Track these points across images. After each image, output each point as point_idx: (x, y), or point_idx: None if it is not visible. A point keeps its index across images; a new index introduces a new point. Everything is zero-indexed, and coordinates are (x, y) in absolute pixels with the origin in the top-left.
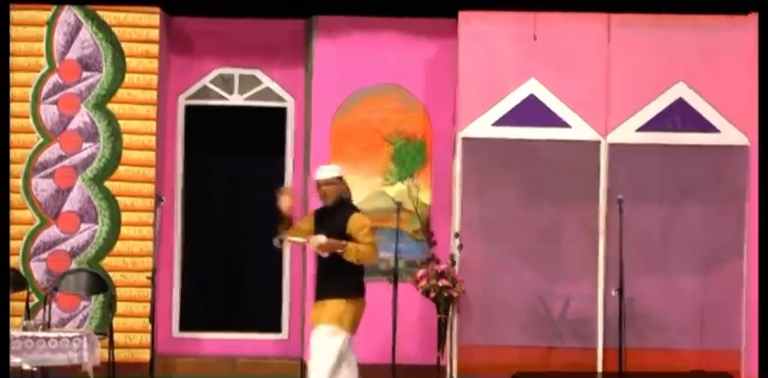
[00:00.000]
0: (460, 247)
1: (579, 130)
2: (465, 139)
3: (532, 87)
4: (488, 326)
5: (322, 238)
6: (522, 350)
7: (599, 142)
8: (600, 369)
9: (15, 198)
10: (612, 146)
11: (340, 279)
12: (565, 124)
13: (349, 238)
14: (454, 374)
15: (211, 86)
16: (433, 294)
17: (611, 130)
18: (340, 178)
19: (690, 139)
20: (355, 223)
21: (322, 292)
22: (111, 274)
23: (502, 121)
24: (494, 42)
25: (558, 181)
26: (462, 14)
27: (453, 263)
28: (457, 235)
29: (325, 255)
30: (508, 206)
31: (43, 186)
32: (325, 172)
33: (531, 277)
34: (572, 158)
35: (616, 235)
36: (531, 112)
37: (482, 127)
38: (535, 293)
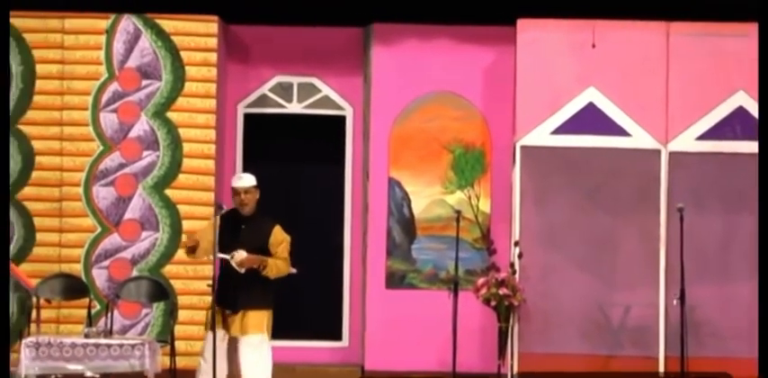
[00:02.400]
0: (520, 255)
1: (639, 138)
2: (524, 148)
3: (591, 95)
4: (548, 334)
5: (244, 254)
6: (582, 358)
7: (659, 151)
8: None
9: (77, 206)
10: (673, 154)
11: (263, 290)
12: (624, 133)
13: (267, 249)
14: None
15: (270, 95)
16: (493, 303)
17: (671, 138)
18: (257, 187)
19: (750, 148)
20: (276, 237)
21: (243, 303)
22: (172, 281)
23: (561, 130)
24: (552, 50)
25: (618, 189)
26: (521, 22)
27: (513, 271)
28: (516, 243)
29: (242, 270)
30: (568, 214)
31: (104, 194)
32: (245, 180)
33: (590, 285)
34: (632, 167)
35: (676, 243)
36: (590, 120)
37: (541, 135)
38: (595, 301)
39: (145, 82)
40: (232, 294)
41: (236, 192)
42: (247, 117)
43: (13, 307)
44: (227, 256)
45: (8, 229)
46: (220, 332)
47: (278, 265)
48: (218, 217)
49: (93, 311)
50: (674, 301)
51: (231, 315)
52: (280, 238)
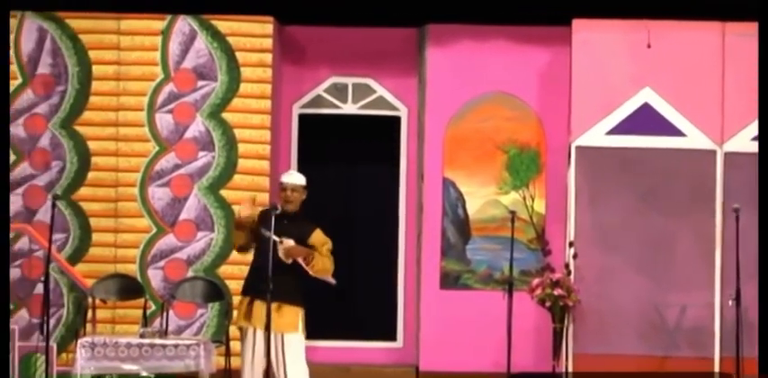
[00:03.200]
0: (575, 255)
1: (694, 138)
2: (579, 148)
3: (647, 96)
4: (603, 335)
5: (292, 243)
6: (637, 359)
7: (715, 151)
8: None
9: (132, 206)
10: (728, 154)
11: (297, 285)
12: (680, 133)
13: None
14: None
15: (325, 95)
16: (548, 303)
17: (726, 138)
18: (305, 188)
19: None
20: (319, 237)
21: (279, 295)
22: (227, 282)
23: (616, 130)
24: (607, 50)
25: (673, 189)
26: (576, 22)
27: (568, 272)
28: (571, 244)
29: (289, 261)
30: (623, 215)
31: (159, 195)
32: (295, 178)
33: (645, 286)
34: (687, 167)
35: (731, 243)
36: (645, 120)
37: (596, 136)
38: (650, 302)
39: (200, 83)
40: (266, 285)
41: (283, 187)
42: (302, 118)
43: (69, 307)
44: (276, 238)
45: (8, 228)
46: (251, 329)
47: (324, 261)
48: (270, 210)
49: (148, 312)
50: (730, 302)
51: (259, 307)
52: (323, 239)
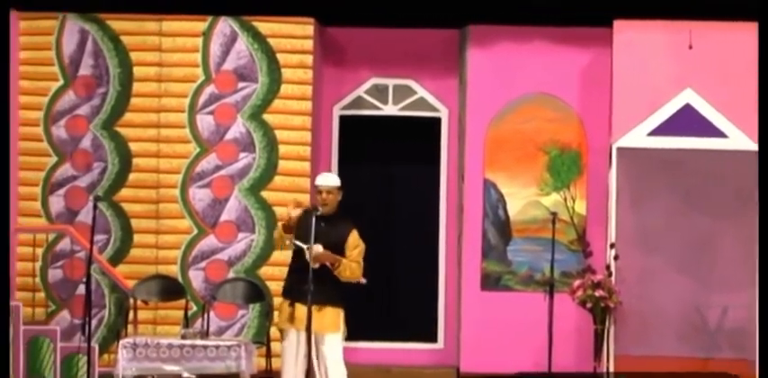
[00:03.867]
0: (616, 257)
1: (736, 140)
2: (620, 149)
3: (688, 97)
4: (645, 336)
5: (320, 248)
6: (678, 361)
7: (756, 152)
8: None
9: (173, 207)
10: None
11: (336, 287)
12: (721, 134)
13: (342, 250)
14: None
15: (366, 97)
16: (589, 305)
17: None
18: (340, 189)
19: None
20: (353, 240)
21: (319, 298)
22: (268, 283)
23: (657, 131)
24: (649, 51)
25: (715, 191)
26: (617, 23)
27: (609, 273)
28: (612, 245)
29: (316, 265)
30: (664, 216)
31: (200, 196)
32: (330, 180)
33: (687, 287)
34: (729, 168)
35: None
36: (686, 121)
37: (637, 137)
38: (691, 303)
39: (241, 84)
40: (306, 287)
41: (319, 190)
42: (343, 119)
43: (111, 308)
44: (302, 245)
45: (8, 228)
46: (293, 331)
47: (351, 267)
48: (310, 212)
49: (189, 313)
50: None
51: (301, 309)
52: (356, 242)
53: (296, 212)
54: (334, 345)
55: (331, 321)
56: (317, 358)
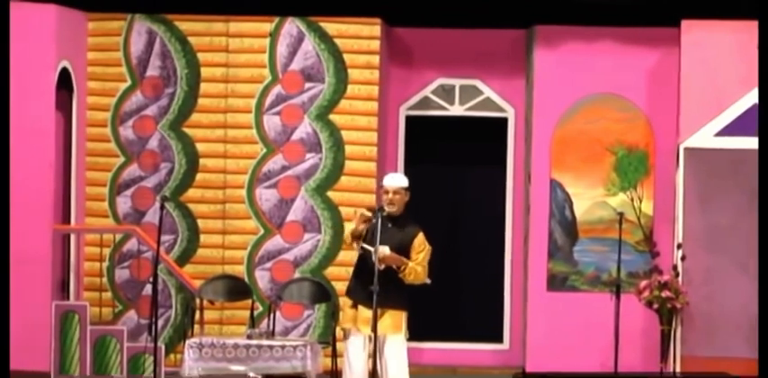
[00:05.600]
0: (683, 257)
1: None
2: (687, 150)
3: (756, 97)
4: (712, 337)
5: (387, 250)
6: (745, 362)
7: None
8: None
9: (240, 208)
10: None
11: (400, 290)
12: None
13: (408, 252)
14: None
15: (432, 97)
16: (655, 306)
17: None
18: (407, 189)
19: None
20: (420, 243)
21: (383, 301)
22: (333, 283)
23: (725, 132)
24: (717, 51)
25: None
26: (685, 23)
27: (676, 274)
28: (680, 246)
29: (381, 267)
30: (731, 217)
31: (267, 196)
32: (396, 180)
33: (754, 288)
34: None
35: None
36: (754, 122)
37: (705, 137)
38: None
39: (308, 85)
40: (370, 290)
41: (385, 190)
42: (409, 119)
43: (177, 308)
44: (370, 248)
45: (8, 228)
46: (357, 333)
47: (416, 270)
48: (376, 213)
49: (255, 313)
50: None
51: (364, 311)
52: (423, 246)
53: (363, 226)
54: (396, 346)
55: (392, 323)
56: (380, 359)
